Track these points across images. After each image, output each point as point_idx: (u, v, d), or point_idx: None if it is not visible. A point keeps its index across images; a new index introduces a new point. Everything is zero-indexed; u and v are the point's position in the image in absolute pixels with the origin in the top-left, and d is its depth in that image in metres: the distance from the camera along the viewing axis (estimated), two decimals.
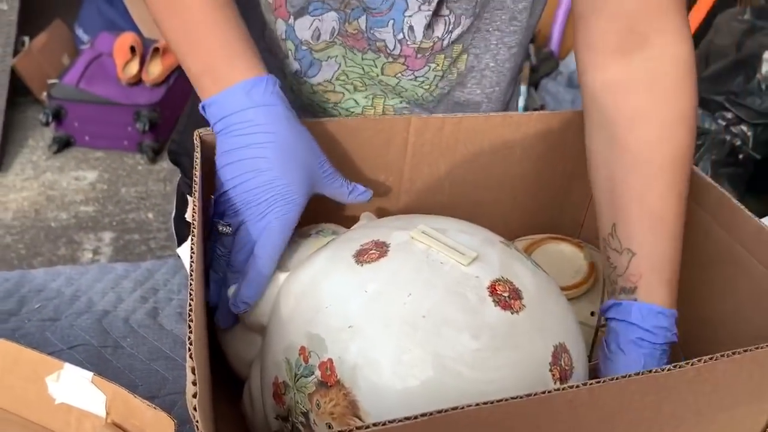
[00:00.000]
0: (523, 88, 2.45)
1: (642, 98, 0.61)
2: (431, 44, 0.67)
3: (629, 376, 0.41)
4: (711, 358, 0.43)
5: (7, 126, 2.36)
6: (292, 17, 0.67)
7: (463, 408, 0.37)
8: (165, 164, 2.38)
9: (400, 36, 0.66)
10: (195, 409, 0.38)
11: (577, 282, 0.69)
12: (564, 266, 0.71)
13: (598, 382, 0.40)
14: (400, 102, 0.72)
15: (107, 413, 0.53)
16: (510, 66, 0.73)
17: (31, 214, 2.12)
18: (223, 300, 0.57)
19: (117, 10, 2.57)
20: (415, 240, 0.52)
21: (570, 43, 2.59)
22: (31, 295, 0.79)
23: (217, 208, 0.57)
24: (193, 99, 0.81)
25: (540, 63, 2.56)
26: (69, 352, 0.72)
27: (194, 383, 0.39)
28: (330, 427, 0.47)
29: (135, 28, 2.51)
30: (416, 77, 0.70)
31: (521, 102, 2.45)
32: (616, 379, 0.41)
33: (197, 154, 0.57)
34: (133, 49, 2.35)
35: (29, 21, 2.45)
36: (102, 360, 0.72)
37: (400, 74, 0.70)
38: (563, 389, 0.40)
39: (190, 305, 0.43)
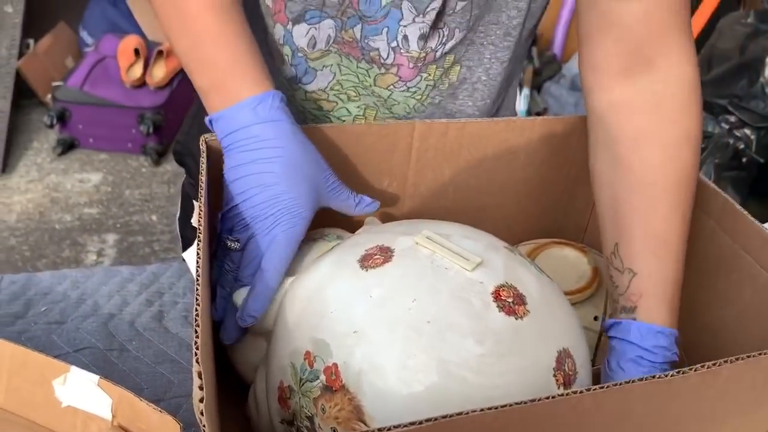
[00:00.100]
0: (525, 91, 2.45)
1: (646, 119, 0.61)
2: (424, 55, 0.67)
3: (633, 381, 0.41)
4: (714, 364, 0.43)
5: (11, 128, 2.37)
6: (290, 23, 0.67)
7: (467, 413, 0.37)
8: (169, 166, 2.38)
9: (394, 44, 0.66)
10: (202, 413, 0.38)
11: (581, 287, 0.69)
12: (568, 271, 0.71)
13: (602, 387, 0.41)
14: (391, 117, 0.72)
15: (113, 416, 0.53)
16: (501, 79, 0.73)
17: (36, 216, 2.13)
18: (229, 315, 0.57)
19: (121, 13, 2.58)
20: (420, 245, 0.52)
21: (573, 46, 2.59)
22: (38, 298, 0.79)
23: (225, 223, 0.57)
24: (198, 101, 0.81)
25: (543, 66, 2.57)
26: (75, 355, 0.72)
27: (201, 388, 0.39)
28: (335, 431, 0.47)
29: (139, 31, 2.52)
30: (408, 88, 0.70)
31: (524, 105, 2.45)
32: (620, 384, 0.41)
33: (203, 159, 0.57)
34: (137, 52, 2.36)
35: (34, 24, 2.46)
36: (108, 363, 0.72)
37: (392, 86, 0.70)
38: (567, 395, 0.40)
39: (196, 310, 0.44)
